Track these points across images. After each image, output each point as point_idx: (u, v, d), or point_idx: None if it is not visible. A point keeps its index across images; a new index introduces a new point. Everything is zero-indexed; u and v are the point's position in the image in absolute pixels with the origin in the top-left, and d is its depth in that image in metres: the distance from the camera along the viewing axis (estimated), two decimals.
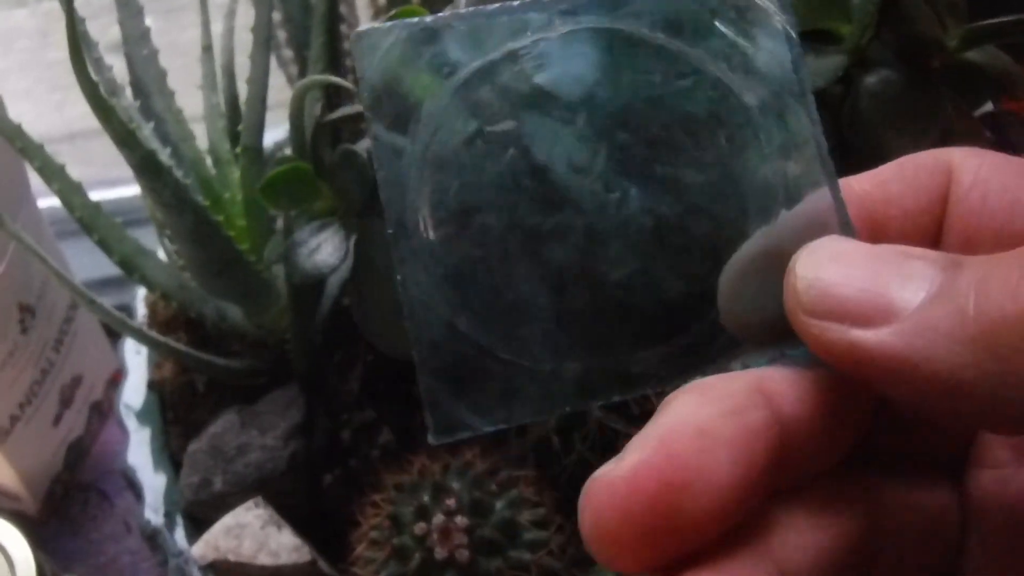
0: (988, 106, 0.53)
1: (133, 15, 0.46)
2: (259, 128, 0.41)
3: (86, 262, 0.60)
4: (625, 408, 0.38)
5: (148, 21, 0.48)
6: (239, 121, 0.48)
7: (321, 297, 0.45)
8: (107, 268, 0.47)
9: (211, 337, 0.49)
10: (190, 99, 0.69)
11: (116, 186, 0.77)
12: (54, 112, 0.85)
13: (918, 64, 0.33)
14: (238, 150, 0.41)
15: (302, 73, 0.49)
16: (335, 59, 0.49)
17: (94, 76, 0.33)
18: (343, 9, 0.50)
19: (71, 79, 0.43)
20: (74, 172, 0.46)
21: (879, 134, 0.33)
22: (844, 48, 0.33)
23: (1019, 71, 0.36)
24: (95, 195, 0.79)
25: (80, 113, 0.46)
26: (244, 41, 0.51)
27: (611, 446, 0.38)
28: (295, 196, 0.38)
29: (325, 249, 0.37)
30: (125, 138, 0.35)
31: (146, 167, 0.36)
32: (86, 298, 0.42)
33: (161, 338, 0.44)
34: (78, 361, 0.61)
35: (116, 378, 0.67)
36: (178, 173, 0.45)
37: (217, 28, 0.51)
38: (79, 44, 0.31)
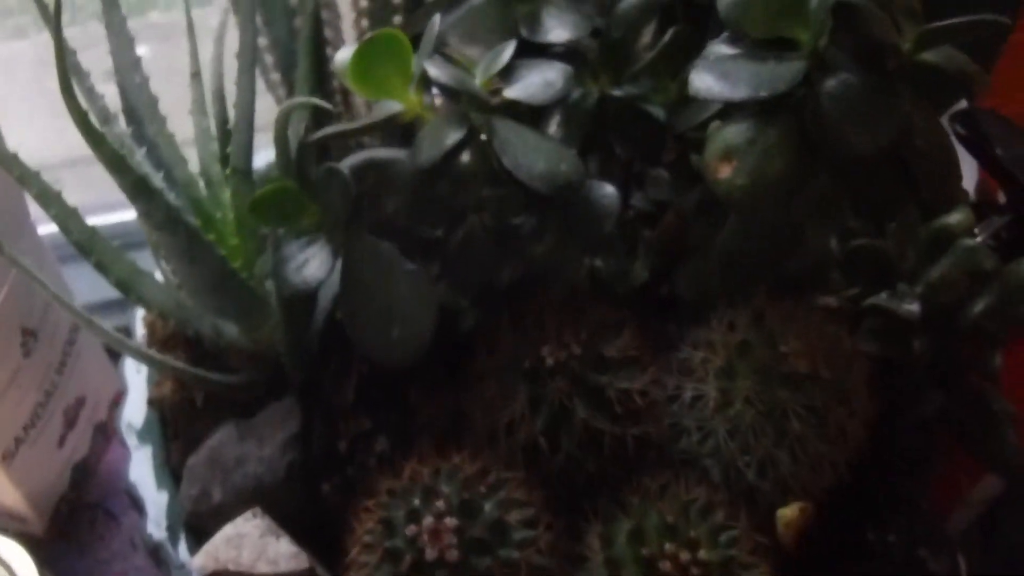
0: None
1: (125, 45, 0.47)
2: (248, 150, 0.42)
3: (86, 285, 0.61)
4: (609, 407, 0.39)
5: (141, 50, 0.50)
6: (229, 143, 0.49)
7: (314, 310, 0.47)
8: (107, 291, 0.48)
9: (209, 353, 0.50)
10: (185, 123, 0.71)
11: (117, 210, 0.79)
12: (55, 138, 0.87)
13: (875, 66, 0.34)
14: (228, 172, 0.43)
15: (290, 95, 0.51)
16: (321, 81, 0.50)
17: (85, 105, 0.34)
18: (328, 32, 0.51)
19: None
20: (75, 197, 0.47)
21: (841, 134, 0.34)
22: (803, 53, 0.35)
23: (975, 69, 0.37)
24: (96, 219, 0.81)
25: (80, 139, 0.48)
26: (234, 66, 0.53)
27: (597, 445, 0.39)
28: (283, 213, 0.39)
29: (312, 263, 0.38)
30: (116, 164, 0.36)
31: (138, 191, 0.37)
32: (86, 320, 0.43)
33: (159, 356, 0.45)
34: (81, 382, 0.62)
35: (119, 399, 0.69)
36: (170, 196, 0.47)
37: (208, 54, 0.53)
38: (68, 76, 0.32)
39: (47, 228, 0.59)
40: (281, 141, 0.38)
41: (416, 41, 0.51)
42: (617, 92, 0.43)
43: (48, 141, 0.90)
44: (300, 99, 0.36)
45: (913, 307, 0.45)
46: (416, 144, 0.38)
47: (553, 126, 0.43)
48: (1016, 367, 0.50)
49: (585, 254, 0.43)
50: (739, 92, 0.34)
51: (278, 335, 0.48)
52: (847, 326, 0.44)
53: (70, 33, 0.45)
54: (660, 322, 0.45)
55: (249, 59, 0.40)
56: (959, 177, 0.37)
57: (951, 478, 0.55)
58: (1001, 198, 0.58)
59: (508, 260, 0.42)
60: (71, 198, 0.47)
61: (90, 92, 0.42)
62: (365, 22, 0.50)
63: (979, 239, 0.54)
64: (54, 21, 0.32)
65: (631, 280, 0.43)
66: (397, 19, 0.50)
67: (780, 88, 0.34)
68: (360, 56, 0.36)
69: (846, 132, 0.34)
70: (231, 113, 0.48)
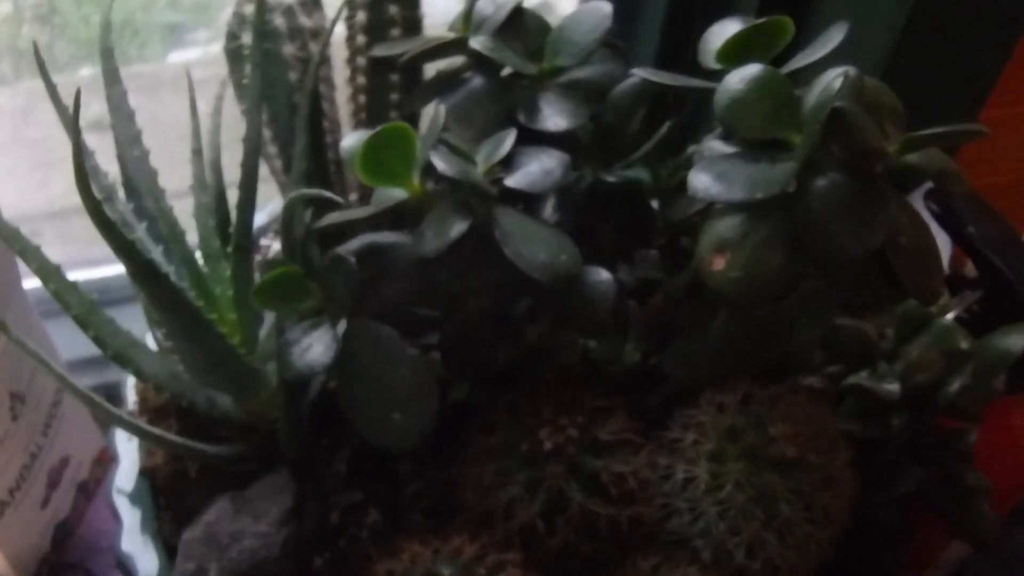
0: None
1: (125, 119, 0.48)
2: (248, 229, 0.43)
3: (72, 340, 0.61)
4: (605, 491, 0.40)
5: (134, 106, 0.50)
6: (226, 211, 0.50)
7: (308, 384, 0.47)
8: (92, 346, 0.48)
9: (202, 422, 0.51)
10: (172, 176, 0.71)
11: (99, 265, 0.79)
12: (37, 190, 0.87)
13: (863, 170, 0.36)
14: (229, 249, 0.43)
15: (286, 167, 0.52)
16: (319, 156, 0.51)
17: (95, 191, 0.35)
18: (324, 105, 0.52)
19: (52, 157, 0.45)
20: (56, 250, 0.47)
21: (830, 236, 0.36)
22: (795, 155, 0.36)
23: (954, 168, 0.39)
24: (78, 274, 0.81)
25: (62, 191, 0.48)
26: (229, 116, 0.53)
27: (593, 527, 0.40)
28: (287, 297, 0.40)
29: (316, 348, 0.39)
30: (126, 250, 0.37)
31: (145, 275, 0.38)
32: (79, 392, 0.44)
33: (152, 430, 0.45)
34: (65, 442, 0.62)
35: (103, 457, 0.68)
36: (170, 269, 0.47)
37: (199, 103, 0.53)
38: (85, 171, 0.33)
39: (30, 283, 0.59)
40: (287, 228, 0.39)
41: (413, 120, 0.53)
42: (611, 178, 0.44)
43: (29, 193, 0.90)
44: (307, 191, 0.37)
45: (893, 387, 0.46)
46: (420, 233, 0.39)
47: (548, 208, 0.45)
48: (990, 436, 0.52)
49: (580, 337, 0.44)
50: (735, 193, 0.35)
51: (272, 407, 0.49)
52: (830, 406, 0.45)
53: (57, 79, 0.45)
54: (650, 398, 0.46)
55: (254, 144, 0.41)
56: (941, 272, 0.39)
57: (923, 541, 0.56)
58: (972, 271, 0.60)
59: (504, 343, 0.43)
60: (52, 251, 0.47)
61: (95, 171, 0.43)
62: (362, 98, 0.52)
63: (953, 313, 0.56)
64: (72, 124, 0.32)
65: (623, 361, 0.45)
66: (394, 96, 0.51)
67: (774, 190, 0.35)
68: (369, 148, 0.37)
69: (835, 235, 0.36)
70: (227, 166, 0.48)
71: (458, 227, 0.37)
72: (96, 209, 0.35)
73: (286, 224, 0.39)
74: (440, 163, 0.37)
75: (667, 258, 0.46)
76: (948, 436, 0.49)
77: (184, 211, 0.53)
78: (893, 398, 0.46)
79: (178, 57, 1.00)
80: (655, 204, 0.46)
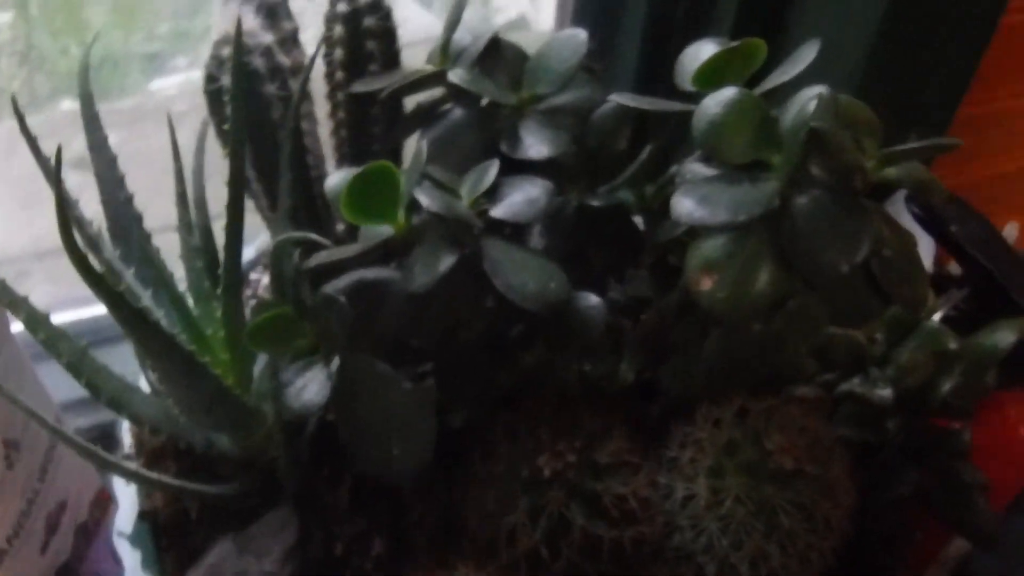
0: None
1: (108, 163, 0.48)
2: (237, 271, 0.43)
3: (65, 382, 0.61)
4: (606, 512, 0.40)
5: (116, 140, 0.50)
6: (214, 251, 0.50)
7: (306, 419, 0.47)
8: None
9: (200, 462, 0.51)
10: (158, 208, 0.71)
11: (89, 304, 0.78)
12: (23, 229, 0.86)
13: (844, 187, 0.36)
14: (219, 291, 0.44)
15: (272, 204, 0.52)
16: (304, 191, 0.51)
17: (81, 241, 0.35)
18: (307, 141, 0.52)
19: (38, 195, 0.45)
20: (43, 290, 0.47)
21: (815, 253, 0.36)
22: (776, 176, 0.37)
23: (930, 178, 0.39)
24: (69, 314, 0.80)
25: (48, 230, 0.48)
26: (212, 148, 0.53)
27: (596, 549, 0.41)
28: (280, 338, 0.40)
29: (311, 388, 0.39)
30: (114, 300, 0.37)
31: (136, 324, 0.38)
32: (73, 443, 0.43)
33: (150, 475, 0.45)
34: (63, 486, 0.62)
35: (101, 497, 0.68)
36: (159, 313, 0.47)
37: (180, 135, 0.53)
38: (71, 226, 0.33)
39: (19, 325, 0.59)
40: (276, 270, 0.39)
41: (396, 152, 0.53)
42: (596, 201, 0.44)
43: (14, 232, 0.89)
44: (296, 235, 0.38)
45: (886, 392, 0.47)
46: (409, 268, 0.39)
47: (535, 234, 0.45)
48: (986, 432, 0.53)
49: (574, 361, 0.44)
50: (719, 216, 0.36)
51: (270, 443, 0.49)
52: (825, 414, 0.46)
53: (32, 121, 0.45)
54: (646, 414, 0.47)
55: (239, 188, 0.41)
56: (926, 279, 0.39)
57: (923, 541, 0.57)
58: (956, 269, 0.60)
59: (500, 369, 0.43)
60: (40, 291, 0.47)
61: (80, 220, 0.43)
62: (344, 132, 0.52)
63: (940, 313, 0.57)
64: (55, 179, 0.33)
65: (618, 381, 0.45)
66: (376, 129, 0.51)
67: (756, 212, 0.36)
68: (353, 189, 0.37)
69: (820, 251, 0.36)
70: (212, 198, 0.48)
71: (446, 261, 0.38)
72: (82, 263, 0.35)
73: (275, 265, 0.39)
74: (425, 199, 0.38)
75: (656, 276, 0.46)
76: (943, 435, 0.49)
77: (172, 243, 0.53)
78: (887, 403, 0.47)
79: (160, 84, 1.00)
80: (641, 223, 0.47)
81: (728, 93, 0.37)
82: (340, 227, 0.57)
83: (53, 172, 0.33)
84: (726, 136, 0.37)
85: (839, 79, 0.39)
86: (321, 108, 0.55)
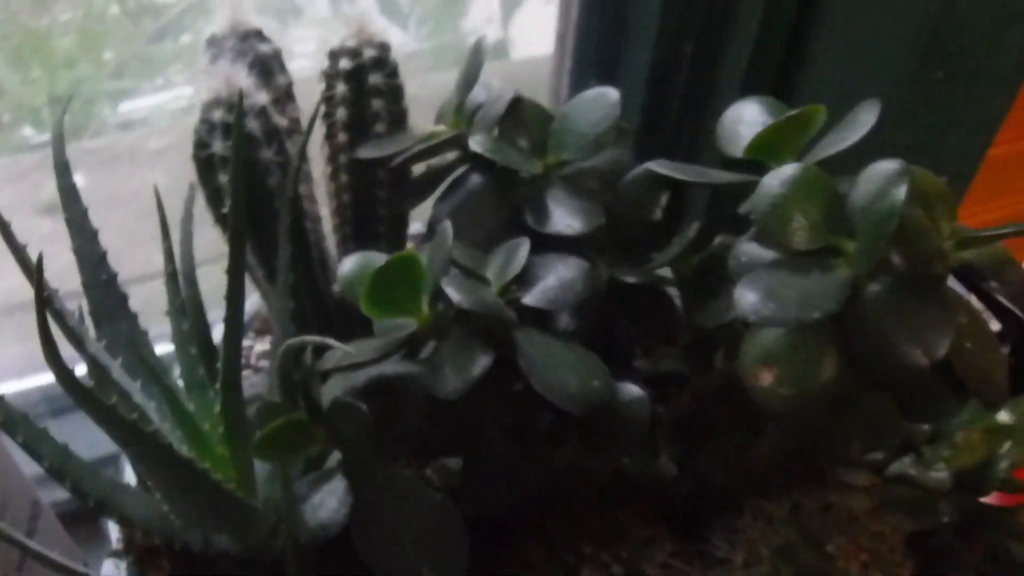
0: None
1: (88, 239, 0.44)
2: (237, 364, 0.38)
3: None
4: None
5: (76, 179, 0.45)
6: (207, 333, 0.45)
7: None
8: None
9: (197, 559, 0.46)
10: (137, 256, 0.66)
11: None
12: None
13: (922, 272, 0.33)
14: (217, 386, 0.39)
15: (268, 276, 0.47)
16: (304, 260, 0.47)
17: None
18: (305, 204, 0.48)
19: (4, 248, 0.41)
20: (16, 350, 0.43)
21: (889, 345, 0.33)
22: (850, 265, 0.33)
23: (1010, 258, 0.36)
24: (40, 378, 0.75)
25: (18, 283, 0.44)
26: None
27: None
28: (291, 446, 0.36)
29: (329, 504, 0.35)
30: (106, 416, 0.32)
31: (130, 438, 0.34)
32: (49, 562, 0.39)
33: None
34: None
35: None
36: (149, 406, 0.43)
37: (157, 177, 0.48)
38: (55, 345, 0.29)
39: None
40: (284, 373, 0.35)
41: (402, 221, 0.49)
42: (632, 278, 0.41)
43: None
44: (308, 338, 0.33)
45: (942, 475, 0.44)
46: (436, 367, 0.35)
47: (565, 317, 0.41)
48: None
49: (612, 458, 0.40)
50: (788, 313, 0.32)
51: (273, 541, 0.44)
52: (880, 504, 0.42)
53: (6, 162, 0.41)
54: (680, 501, 0.43)
55: (239, 276, 0.37)
56: (1005, 367, 0.36)
57: None
58: (994, 325, 0.57)
59: (532, 469, 0.39)
60: (11, 350, 0.43)
61: (59, 314, 0.38)
62: (346, 197, 0.48)
63: None
64: (37, 298, 0.28)
65: (660, 477, 0.41)
66: (381, 194, 0.47)
67: (830, 308, 0.32)
68: (375, 285, 0.33)
69: (895, 346, 0.32)
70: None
71: (480, 363, 0.34)
72: (69, 381, 0.31)
73: (283, 369, 0.35)
74: (455, 294, 0.34)
75: (694, 360, 0.43)
76: (998, 515, 0.46)
77: (153, 295, 0.49)
78: (944, 487, 0.43)
79: (129, 107, 0.96)
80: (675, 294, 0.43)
81: (792, 171, 0.34)
82: (338, 288, 0.53)
83: (36, 292, 0.28)
84: (792, 219, 0.33)
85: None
86: (317, 165, 0.51)
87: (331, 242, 0.51)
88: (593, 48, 0.65)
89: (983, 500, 0.46)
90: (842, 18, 0.54)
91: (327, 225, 0.52)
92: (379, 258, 0.38)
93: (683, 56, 0.60)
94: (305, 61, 0.54)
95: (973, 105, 0.56)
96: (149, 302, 0.53)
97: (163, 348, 0.53)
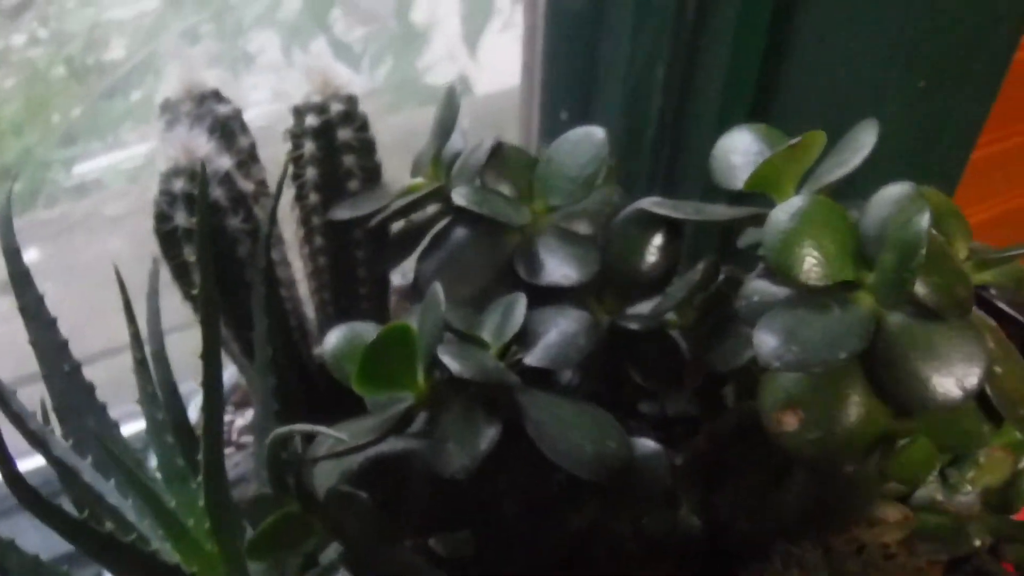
0: None
1: (45, 327, 0.41)
2: (219, 451, 0.35)
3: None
4: None
5: (32, 253, 0.42)
6: (182, 416, 0.43)
7: None
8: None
9: None
10: (99, 330, 0.63)
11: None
12: None
13: (945, 299, 0.31)
14: (200, 478, 0.36)
15: (245, 351, 0.44)
16: (281, 331, 0.44)
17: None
18: (279, 270, 0.45)
19: None
20: None
21: (918, 375, 0.31)
22: (871, 295, 0.31)
23: None
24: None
25: None
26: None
27: None
28: (287, 543, 0.33)
29: None
30: (79, 534, 0.29)
31: (106, 552, 0.31)
32: None
33: None
34: None
35: None
36: (125, 504, 0.40)
37: (115, 243, 0.45)
38: (8, 453, 0.26)
39: None
40: (274, 463, 0.32)
41: (384, 282, 0.46)
42: (634, 325, 0.38)
43: None
44: (297, 427, 0.31)
45: (969, 498, 0.42)
46: (438, 443, 0.32)
47: (567, 371, 0.39)
48: None
49: (631, 517, 0.38)
50: (815, 355, 0.30)
51: None
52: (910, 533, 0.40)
53: None
54: (713, 558, 0.41)
55: (215, 358, 0.34)
56: None
57: None
58: None
59: (546, 536, 0.36)
60: None
61: (18, 418, 0.35)
62: (322, 260, 0.45)
63: None
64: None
65: (682, 533, 0.39)
66: (359, 254, 0.45)
67: (857, 346, 0.30)
68: (367, 362, 0.31)
69: (926, 378, 0.30)
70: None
71: (488, 436, 0.31)
72: (37, 504, 0.28)
73: (271, 460, 0.32)
74: (452, 363, 0.31)
75: (704, 402, 0.40)
76: None
77: (119, 371, 0.46)
78: (972, 511, 0.41)
79: (82, 168, 0.93)
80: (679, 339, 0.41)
81: (801, 202, 0.32)
82: (319, 351, 0.50)
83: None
84: (805, 254, 0.31)
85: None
86: (288, 226, 0.48)
87: (308, 306, 0.48)
88: (563, 78, 0.64)
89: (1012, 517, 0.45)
90: (819, 32, 0.53)
91: (302, 288, 0.49)
92: (366, 329, 0.35)
93: (656, 81, 0.59)
94: (259, 109, 0.52)
95: (956, 111, 0.55)
96: (116, 380, 0.50)
97: (134, 427, 0.50)
